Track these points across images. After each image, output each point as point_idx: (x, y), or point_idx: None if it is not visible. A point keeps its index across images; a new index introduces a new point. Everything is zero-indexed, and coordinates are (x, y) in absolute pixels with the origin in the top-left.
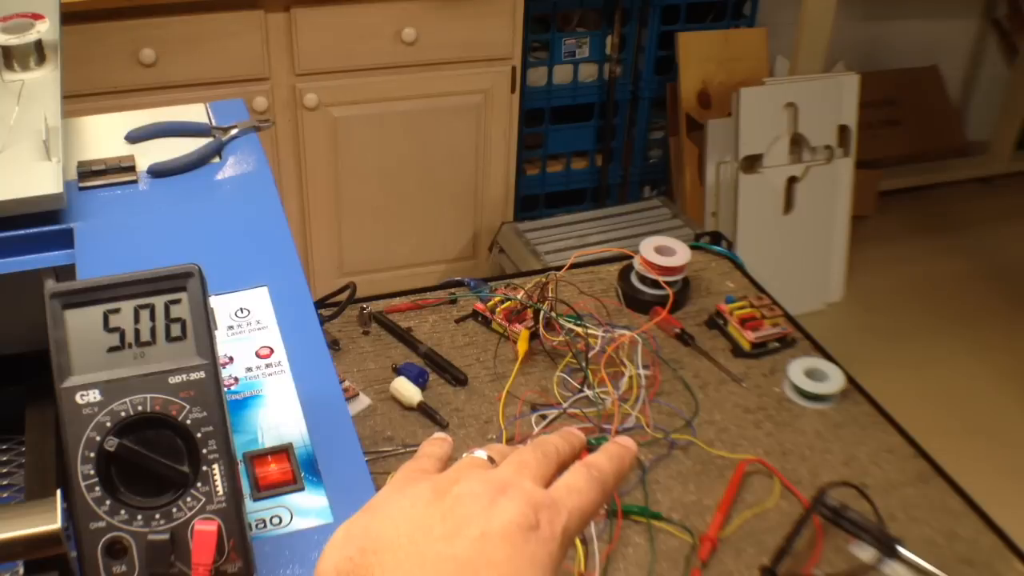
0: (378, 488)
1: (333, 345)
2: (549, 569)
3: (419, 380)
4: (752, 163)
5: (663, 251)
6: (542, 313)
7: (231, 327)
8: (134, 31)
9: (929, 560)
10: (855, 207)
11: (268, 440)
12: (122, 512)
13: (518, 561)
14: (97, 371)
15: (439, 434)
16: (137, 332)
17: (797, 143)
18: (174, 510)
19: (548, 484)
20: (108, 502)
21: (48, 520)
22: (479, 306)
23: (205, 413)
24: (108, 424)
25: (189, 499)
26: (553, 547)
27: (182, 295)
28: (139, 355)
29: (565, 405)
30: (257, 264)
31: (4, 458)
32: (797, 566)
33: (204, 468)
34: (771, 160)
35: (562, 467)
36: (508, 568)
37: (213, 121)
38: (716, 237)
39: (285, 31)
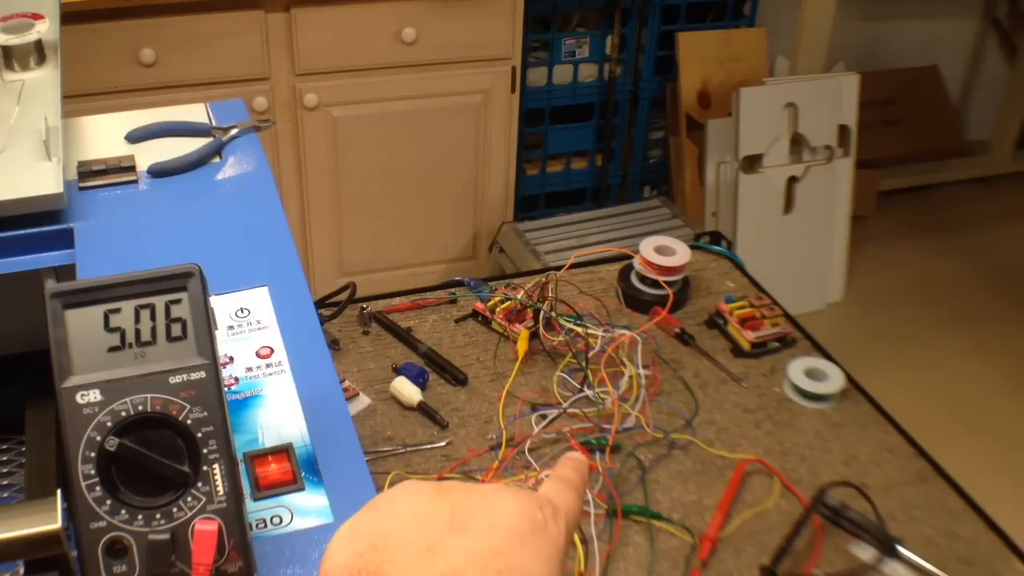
0: (379, 488)
1: (333, 345)
2: (555, 561)
3: (419, 380)
4: (752, 163)
5: (663, 251)
6: (542, 313)
7: (231, 327)
8: (134, 31)
9: (929, 560)
10: (855, 207)
11: (268, 440)
12: (123, 512)
13: (525, 552)
14: (97, 371)
15: None
16: (137, 332)
17: (797, 143)
18: (175, 510)
19: None
20: (108, 502)
21: (48, 520)
22: (479, 306)
23: (206, 413)
24: (108, 424)
25: (190, 499)
26: (559, 540)
27: (182, 295)
28: (139, 355)
29: (565, 405)
30: (257, 264)
31: (4, 458)
32: (797, 566)
33: (204, 468)
34: (771, 160)
35: None
36: (517, 559)
37: (213, 121)
38: (716, 237)
39: (285, 31)
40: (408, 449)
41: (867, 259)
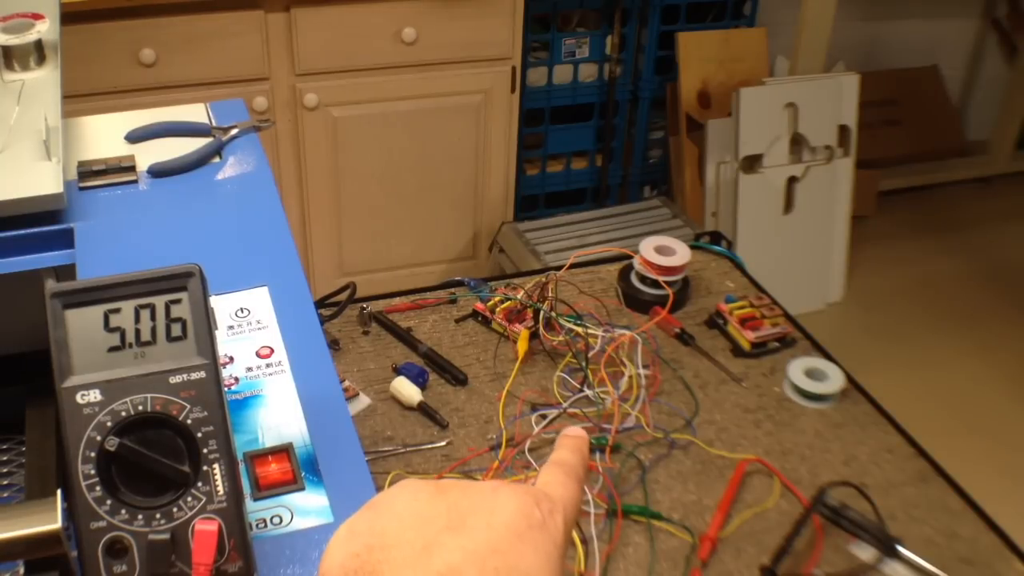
0: (378, 488)
1: (333, 345)
2: (554, 557)
3: (419, 380)
4: (752, 163)
5: (663, 251)
6: (542, 313)
7: (231, 327)
8: (134, 31)
9: (929, 560)
10: (855, 207)
11: (268, 440)
12: (123, 512)
13: (523, 549)
14: (98, 371)
15: None
16: (138, 332)
17: (797, 143)
18: (175, 510)
19: None
20: (109, 502)
21: (48, 520)
22: (479, 306)
23: (206, 413)
24: (109, 424)
25: (190, 499)
26: (557, 536)
27: (183, 295)
28: (140, 355)
29: (565, 405)
30: (257, 264)
31: (4, 458)
32: (797, 566)
33: (205, 468)
34: (771, 160)
35: None
36: (514, 557)
37: (213, 121)
38: (716, 237)
39: (285, 31)
40: (408, 449)
41: (867, 259)
